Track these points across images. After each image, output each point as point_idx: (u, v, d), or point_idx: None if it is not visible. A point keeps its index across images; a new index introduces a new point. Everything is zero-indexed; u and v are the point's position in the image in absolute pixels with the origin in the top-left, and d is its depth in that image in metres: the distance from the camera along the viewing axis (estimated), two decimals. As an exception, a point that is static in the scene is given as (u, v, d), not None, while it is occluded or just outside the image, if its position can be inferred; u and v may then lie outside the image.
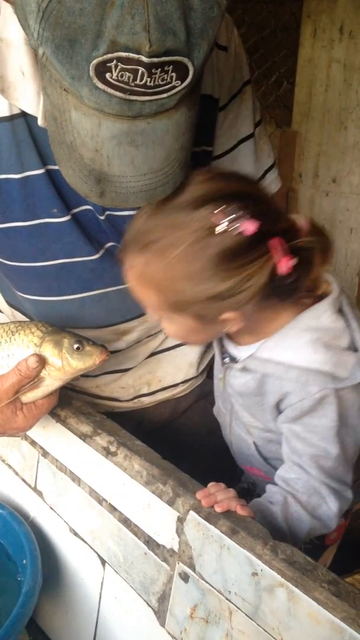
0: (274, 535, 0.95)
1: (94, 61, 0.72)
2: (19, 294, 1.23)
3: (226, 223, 0.86)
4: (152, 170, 0.84)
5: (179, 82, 0.76)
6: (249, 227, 0.86)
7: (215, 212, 0.87)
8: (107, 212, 1.11)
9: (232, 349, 1.10)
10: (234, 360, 1.10)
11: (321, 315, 0.98)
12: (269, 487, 1.05)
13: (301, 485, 1.01)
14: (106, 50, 0.72)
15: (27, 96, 0.96)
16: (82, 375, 1.30)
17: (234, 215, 0.86)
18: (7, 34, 0.93)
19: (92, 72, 0.73)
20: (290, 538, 0.98)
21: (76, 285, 1.19)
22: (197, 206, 0.89)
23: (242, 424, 1.16)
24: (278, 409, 1.04)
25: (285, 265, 0.88)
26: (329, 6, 2.50)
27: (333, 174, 2.73)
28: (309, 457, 1.01)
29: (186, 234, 0.88)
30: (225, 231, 0.86)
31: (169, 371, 1.40)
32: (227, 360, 1.12)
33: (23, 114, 1.00)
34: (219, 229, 0.87)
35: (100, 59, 0.72)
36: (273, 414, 1.05)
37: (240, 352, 1.08)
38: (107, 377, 1.34)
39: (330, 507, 1.01)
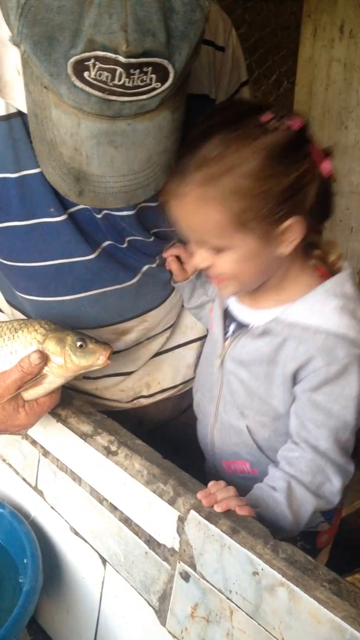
0: (278, 521, 0.96)
1: (72, 59, 0.73)
2: (18, 293, 1.23)
3: (275, 121, 0.92)
4: (132, 172, 0.84)
5: (159, 84, 0.76)
6: (295, 122, 0.93)
7: (262, 115, 0.92)
8: (104, 211, 1.11)
9: (246, 315, 1.10)
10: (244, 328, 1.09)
11: (344, 284, 1.03)
12: (272, 470, 1.04)
13: (304, 465, 1.01)
14: (84, 49, 0.72)
15: (22, 95, 0.96)
16: (83, 377, 1.30)
17: (280, 114, 0.93)
18: (2, 33, 0.93)
19: (70, 70, 0.73)
20: (295, 523, 0.98)
21: (74, 285, 1.19)
22: (243, 117, 0.93)
23: (234, 408, 1.14)
24: (294, 378, 1.03)
25: (327, 165, 0.95)
26: (329, 5, 2.50)
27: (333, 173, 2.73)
28: (328, 429, 1.01)
29: (241, 137, 0.91)
30: (276, 128, 0.91)
31: (168, 373, 1.40)
32: (232, 328, 1.12)
33: (20, 114, 1.01)
34: (270, 126, 0.91)
35: (78, 57, 0.72)
36: (284, 385, 1.04)
37: (257, 316, 1.08)
38: (107, 380, 1.34)
39: (334, 484, 1.02)
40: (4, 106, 1.00)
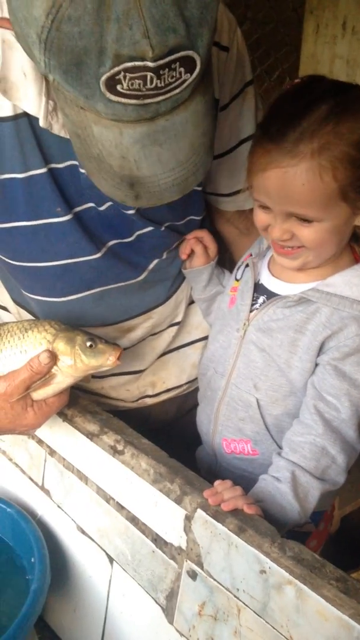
0: (286, 512, 0.96)
1: (103, 77, 0.74)
2: (24, 292, 1.23)
3: None
4: (180, 164, 0.85)
5: (189, 74, 0.77)
6: None
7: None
8: (109, 204, 1.11)
9: (279, 286, 1.12)
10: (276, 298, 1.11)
11: None
12: (275, 460, 1.05)
13: (309, 450, 1.02)
14: (112, 65, 0.73)
15: (28, 97, 0.97)
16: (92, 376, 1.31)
17: None
18: (9, 36, 0.93)
19: (103, 88, 0.75)
20: (302, 510, 0.99)
21: (79, 285, 1.19)
22: (344, 90, 0.96)
23: (247, 380, 1.14)
24: (321, 347, 1.05)
25: None
26: (331, 2, 2.49)
27: None
28: (349, 399, 1.02)
29: (348, 109, 0.93)
30: None
31: (173, 372, 1.41)
32: (262, 300, 1.14)
33: (27, 114, 1.01)
34: None
35: (108, 74, 0.74)
36: (308, 353, 1.06)
37: (292, 289, 1.10)
38: (113, 379, 1.35)
39: (339, 465, 1.03)
40: (11, 107, 1.01)
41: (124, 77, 0.73)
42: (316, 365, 1.07)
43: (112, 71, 0.73)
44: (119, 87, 0.74)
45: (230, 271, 1.30)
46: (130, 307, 1.27)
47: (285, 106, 0.98)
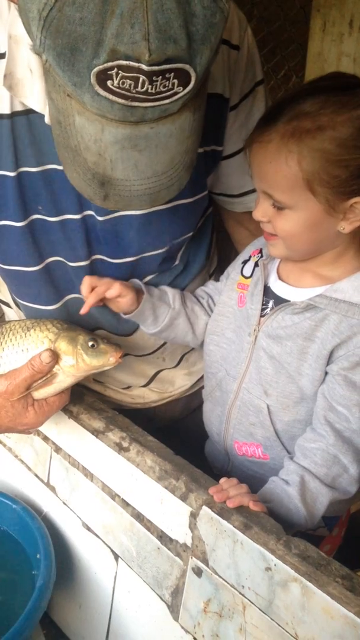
0: (291, 515, 0.96)
1: (95, 69, 0.73)
2: (15, 297, 1.24)
3: None
4: (155, 174, 0.84)
5: (181, 88, 0.76)
6: None
7: None
8: (110, 215, 1.11)
9: (288, 292, 1.10)
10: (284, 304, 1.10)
11: None
12: (286, 463, 1.04)
13: (320, 457, 1.01)
14: (107, 59, 0.72)
15: (34, 93, 0.97)
16: (93, 379, 1.31)
17: None
18: (17, 31, 0.93)
19: (93, 80, 0.74)
20: (309, 516, 0.98)
21: (63, 289, 1.20)
22: (352, 87, 0.94)
23: (258, 386, 1.13)
24: (330, 355, 1.03)
25: None
26: (338, 0, 2.49)
27: None
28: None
29: (341, 102, 0.92)
30: None
31: (177, 382, 1.41)
32: (271, 305, 1.11)
33: (26, 112, 1.01)
34: None
35: (101, 67, 0.73)
36: (318, 362, 1.04)
37: (299, 294, 1.08)
38: (115, 387, 1.36)
39: (351, 474, 1.02)
40: (8, 104, 1.01)
41: (116, 74, 0.73)
42: (326, 374, 1.05)
43: (106, 65, 0.72)
44: (109, 83, 0.73)
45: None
46: (108, 325, 1.26)
47: (297, 89, 0.98)
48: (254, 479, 1.05)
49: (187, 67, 0.75)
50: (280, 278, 1.12)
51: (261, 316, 1.12)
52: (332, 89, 0.94)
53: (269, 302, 1.12)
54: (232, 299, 1.21)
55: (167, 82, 0.74)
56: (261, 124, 0.98)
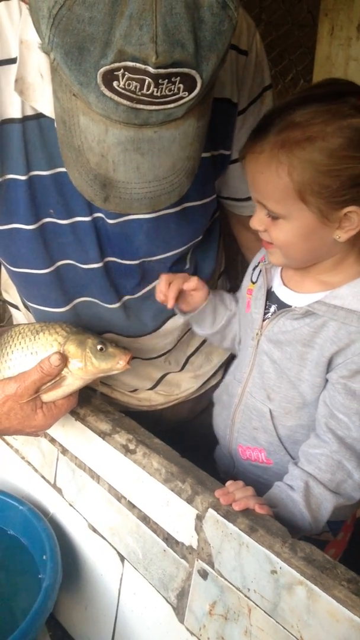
0: (296, 520, 0.96)
1: (102, 69, 0.73)
2: (24, 300, 1.25)
3: None
4: (157, 178, 0.85)
5: (187, 93, 0.76)
6: None
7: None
8: (120, 219, 1.11)
9: (290, 297, 1.10)
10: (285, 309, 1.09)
11: None
12: (291, 469, 1.04)
13: (324, 463, 1.01)
14: (114, 59, 0.73)
15: (45, 98, 0.97)
16: (101, 382, 1.32)
17: None
18: (28, 36, 0.94)
19: (99, 80, 0.74)
20: (314, 522, 0.98)
21: (72, 292, 1.20)
22: (343, 95, 0.93)
23: (261, 390, 1.13)
24: (330, 362, 1.03)
25: None
26: (346, 4, 2.49)
27: None
28: None
29: (331, 112, 0.91)
30: None
31: (183, 385, 1.41)
32: (273, 309, 1.11)
33: (37, 117, 1.01)
34: None
35: (107, 67, 0.73)
36: (317, 368, 1.04)
37: (300, 299, 1.08)
38: (121, 390, 1.36)
39: (355, 480, 1.01)
40: (19, 109, 1.01)
41: (123, 75, 0.73)
42: (327, 380, 1.05)
43: (113, 66, 0.73)
44: (115, 84, 0.74)
45: (242, 277, 1.28)
46: (115, 327, 1.26)
47: (289, 98, 0.97)
48: (258, 484, 1.05)
49: (193, 72, 0.75)
50: (283, 283, 1.13)
51: (263, 320, 1.12)
52: (323, 98, 0.93)
53: (271, 307, 1.13)
54: (243, 305, 1.22)
55: (173, 87, 0.75)
56: (253, 135, 0.98)
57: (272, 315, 1.11)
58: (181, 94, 0.76)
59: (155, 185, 0.85)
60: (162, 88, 0.74)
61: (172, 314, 1.27)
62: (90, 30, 0.72)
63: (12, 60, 0.97)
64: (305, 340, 1.04)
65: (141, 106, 0.76)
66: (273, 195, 0.97)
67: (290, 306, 1.09)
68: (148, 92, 0.74)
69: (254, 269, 1.22)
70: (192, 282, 1.19)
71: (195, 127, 0.83)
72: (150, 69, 0.72)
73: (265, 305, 1.13)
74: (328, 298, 1.03)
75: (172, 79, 0.74)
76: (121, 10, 0.70)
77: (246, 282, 1.23)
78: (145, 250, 1.16)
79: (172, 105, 0.77)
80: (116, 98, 0.75)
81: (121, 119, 0.78)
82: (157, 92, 0.74)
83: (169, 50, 0.72)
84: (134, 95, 0.75)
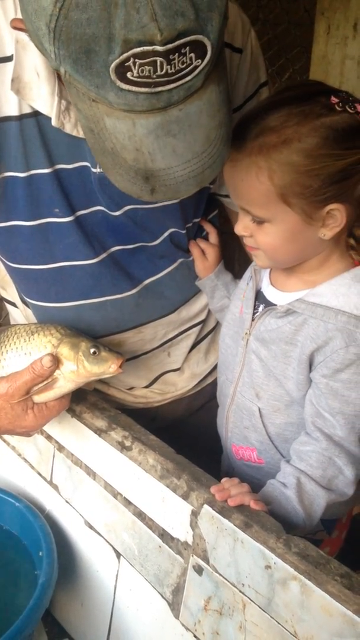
0: (290, 517, 0.96)
1: (112, 65, 0.73)
2: (23, 296, 1.25)
3: (346, 104, 0.93)
4: (195, 155, 0.84)
5: (200, 60, 0.76)
6: None
7: (332, 97, 0.93)
8: (121, 210, 1.11)
9: (276, 296, 1.11)
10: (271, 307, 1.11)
11: None
12: (283, 466, 1.05)
13: (315, 459, 1.02)
14: (121, 51, 0.72)
15: (41, 96, 0.98)
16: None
17: (351, 99, 0.94)
18: (23, 36, 0.94)
19: (113, 76, 0.74)
20: (308, 518, 0.99)
21: (74, 291, 1.20)
22: (313, 95, 0.94)
23: (250, 389, 1.14)
24: (311, 360, 1.03)
25: None
26: (342, 3, 2.49)
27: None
28: (344, 417, 1.01)
29: (304, 113, 0.92)
30: (343, 110, 0.92)
31: (179, 384, 1.41)
32: (261, 308, 1.13)
33: (34, 114, 1.01)
34: (339, 108, 0.92)
35: (117, 61, 0.73)
36: (300, 366, 1.04)
37: (284, 298, 1.09)
38: (118, 388, 1.37)
39: (346, 476, 1.02)
40: (17, 106, 1.01)
41: (134, 63, 0.73)
42: (311, 379, 1.06)
43: (122, 57, 0.73)
44: (129, 75, 0.74)
45: (239, 275, 1.30)
46: (123, 320, 1.26)
47: (260, 103, 0.98)
48: (252, 484, 1.06)
49: (200, 37, 0.75)
50: (271, 283, 1.14)
51: (252, 320, 1.14)
52: (294, 100, 0.94)
53: (259, 307, 1.14)
54: (237, 307, 1.23)
55: (185, 58, 0.74)
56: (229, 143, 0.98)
57: (258, 314, 1.13)
58: (195, 62, 0.76)
59: (195, 163, 0.84)
60: (174, 63, 0.74)
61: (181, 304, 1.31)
62: (91, 30, 0.72)
63: (8, 59, 0.98)
64: (288, 338, 1.05)
65: (160, 88, 0.75)
66: (256, 200, 0.97)
67: (275, 305, 1.10)
68: (162, 72, 0.74)
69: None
70: (214, 235, 1.30)
71: (218, 93, 0.82)
72: (159, 48, 0.72)
73: (255, 305, 1.14)
74: (308, 296, 1.04)
75: (182, 50, 0.74)
76: (114, 1, 0.70)
77: (242, 285, 1.24)
78: (146, 237, 1.17)
79: (189, 77, 0.76)
80: (134, 89, 0.75)
81: (144, 107, 0.77)
82: (170, 69, 0.74)
83: (171, 23, 0.71)
84: (151, 80, 0.74)
